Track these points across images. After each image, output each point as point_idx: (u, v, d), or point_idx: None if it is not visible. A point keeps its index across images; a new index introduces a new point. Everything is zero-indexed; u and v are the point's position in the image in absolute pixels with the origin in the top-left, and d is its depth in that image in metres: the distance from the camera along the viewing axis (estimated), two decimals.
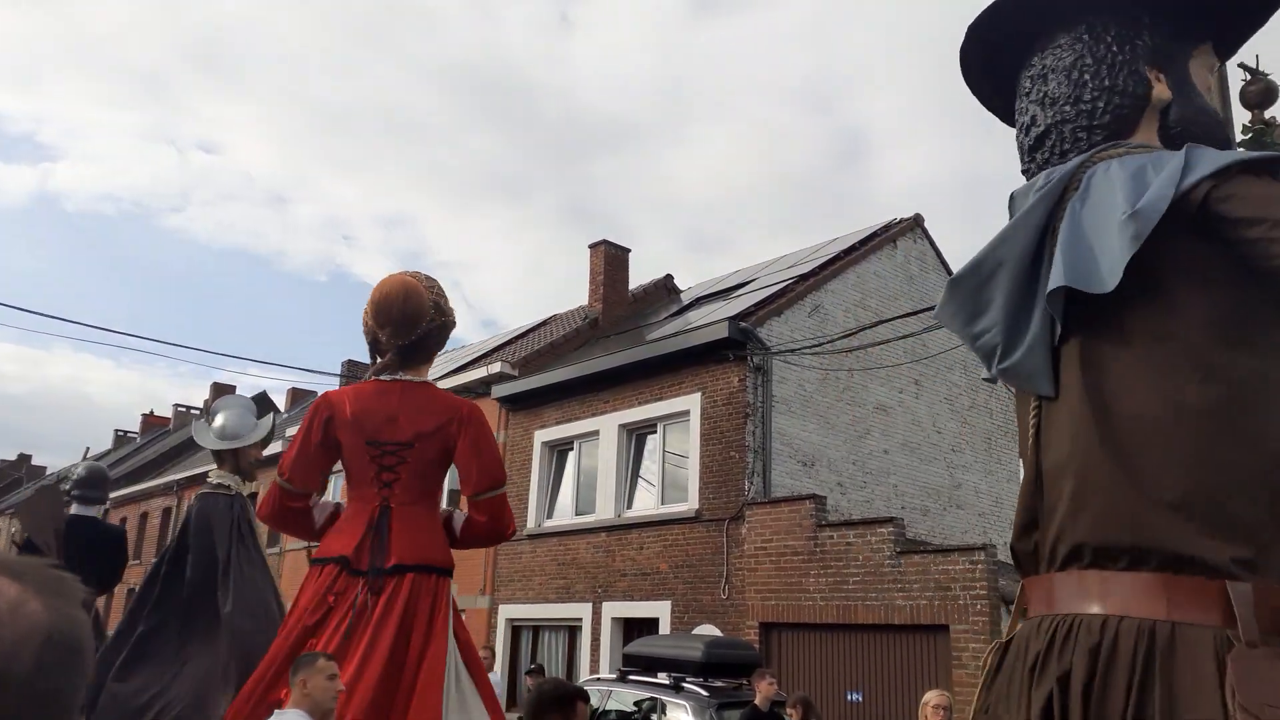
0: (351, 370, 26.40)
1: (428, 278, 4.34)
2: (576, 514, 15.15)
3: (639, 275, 19.20)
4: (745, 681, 8.86)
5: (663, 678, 8.65)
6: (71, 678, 0.78)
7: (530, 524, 15.72)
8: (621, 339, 16.95)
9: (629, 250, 18.76)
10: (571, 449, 15.65)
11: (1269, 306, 1.42)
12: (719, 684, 8.55)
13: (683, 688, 8.38)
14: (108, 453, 48.53)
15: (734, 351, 12.67)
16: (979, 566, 10.16)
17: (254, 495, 5.49)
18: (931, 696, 7.58)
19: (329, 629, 3.94)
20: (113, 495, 32.92)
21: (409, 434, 4.00)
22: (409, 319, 4.09)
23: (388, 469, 4.02)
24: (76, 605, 0.81)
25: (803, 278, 14.21)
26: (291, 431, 22.44)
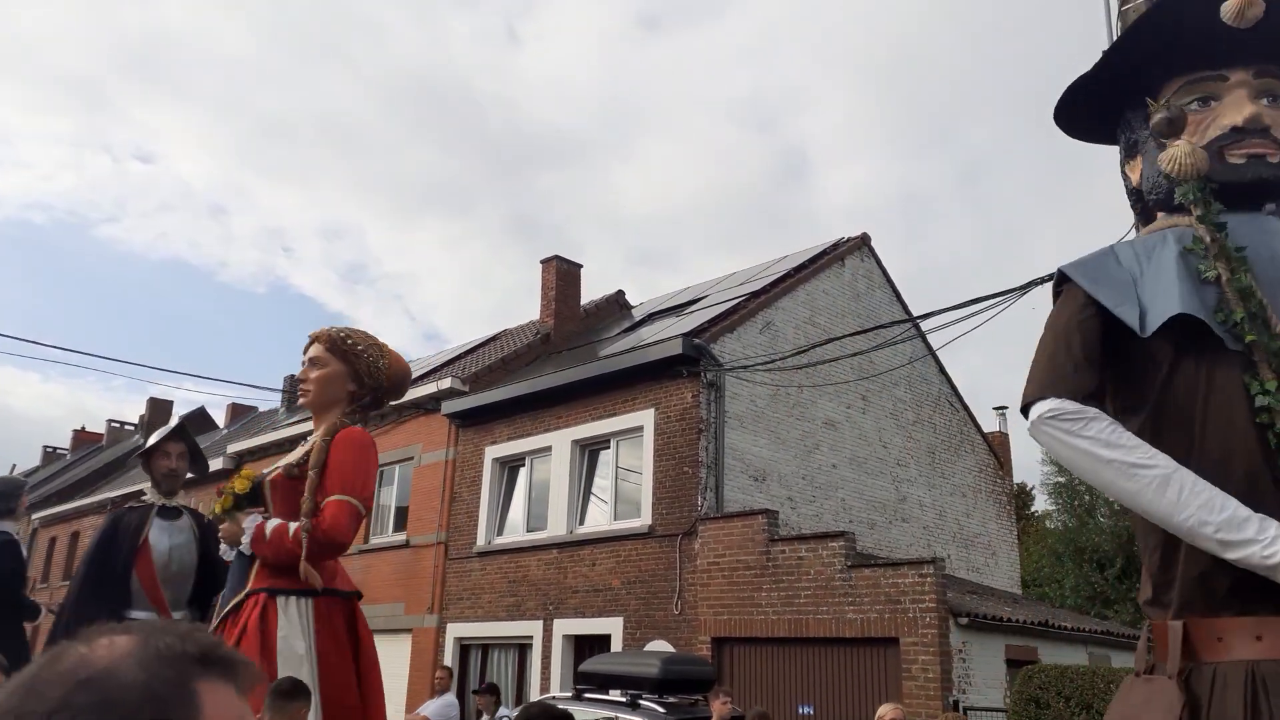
0: (294, 385, 25.95)
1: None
2: (528, 530, 15.07)
3: (587, 289, 19.21)
4: (701, 698, 8.90)
5: (618, 695, 8.64)
6: None
7: (480, 541, 15.60)
8: (574, 355, 16.95)
9: (581, 266, 18.79)
10: (523, 465, 15.58)
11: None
12: (674, 700, 8.58)
13: (639, 705, 8.38)
14: (36, 469, 46.94)
15: (688, 367, 12.76)
16: (928, 580, 10.34)
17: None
18: (886, 710, 7.69)
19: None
20: (41, 514, 31.85)
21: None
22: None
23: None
24: None
25: (754, 295, 14.37)
26: (232, 447, 21.96)
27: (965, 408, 17.79)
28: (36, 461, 48.50)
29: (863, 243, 16.28)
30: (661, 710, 8.29)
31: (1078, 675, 9.92)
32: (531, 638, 14.13)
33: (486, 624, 14.96)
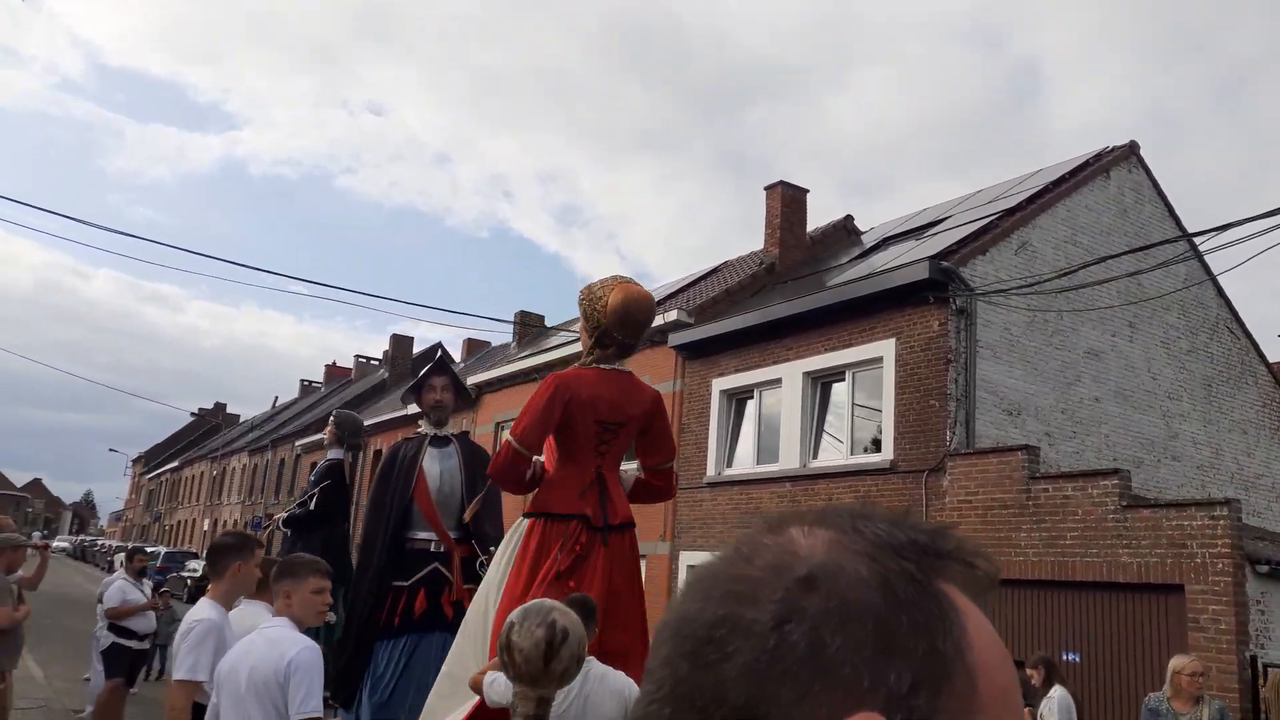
0: (525, 320, 26.91)
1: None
2: (758, 463, 14.87)
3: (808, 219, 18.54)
4: None
5: None
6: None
7: (710, 472, 15.58)
8: (801, 284, 16.41)
9: (807, 191, 18.08)
10: (751, 397, 15.32)
11: None
12: None
13: None
14: (295, 401, 51.82)
15: (934, 293, 11.96)
16: (1220, 523, 9.27)
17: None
18: (1184, 663, 6.93)
19: (580, 574, 4.62)
20: (300, 442, 35.06)
21: (624, 416, 4.80)
22: (646, 329, 4.95)
23: (604, 443, 4.84)
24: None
25: (1008, 213, 13.26)
26: (470, 380, 23.04)
27: (1247, 335, 15.84)
28: (295, 393, 53.52)
29: (1130, 152, 14.64)
30: None
31: None
32: None
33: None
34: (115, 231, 42.33)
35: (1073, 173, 14.18)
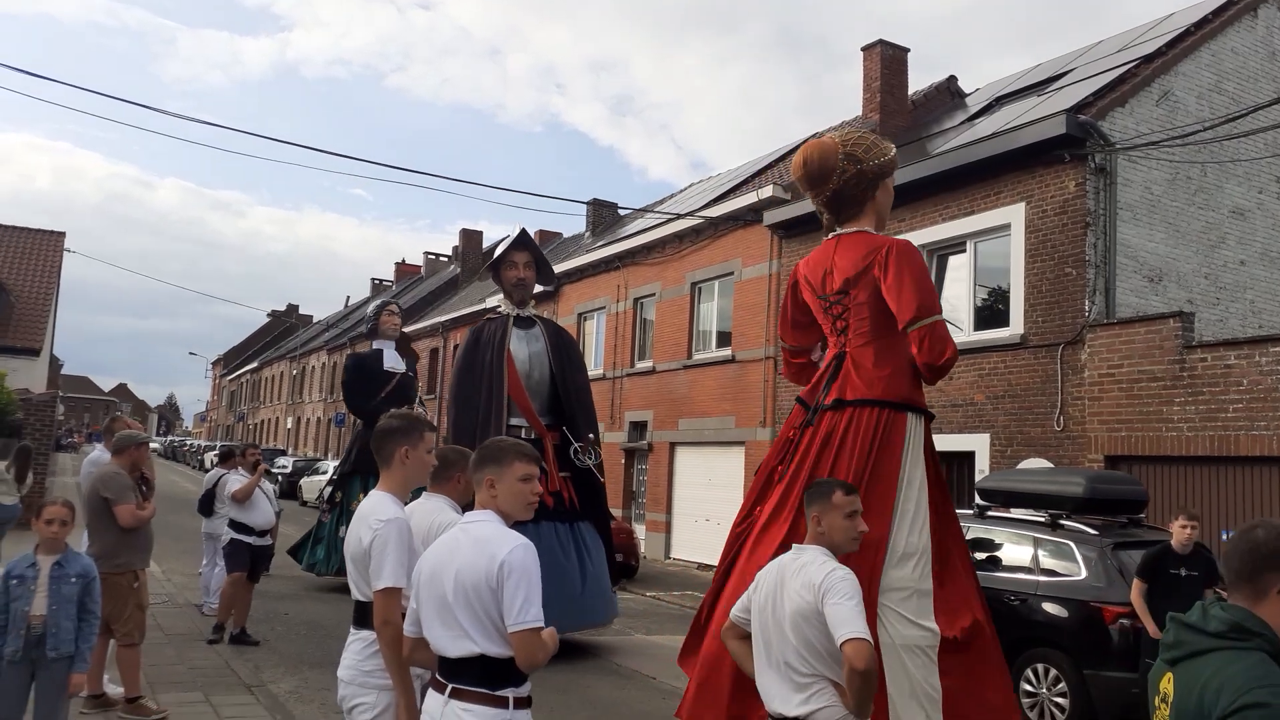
0: (597, 205, 26.12)
1: (847, 131, 4.62)
2: None
3: (851, 104, 17.32)
4: (1127, 520, 7.82)
5: (1032, 515, 7.74)
6: None
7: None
8: (907, 151, 15.33)
9: (908, 50, 16.77)
10: None
11: None
12: (1103, 522, 7.56)
13: (1062, 526, 7.46)
14: (368, 299, 52.13)
15: (1070, 151, 10.93)
16: None
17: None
18: None
19: (788, 460, 4.47)
20: (355, 342, 35.17)
21: (839, 283, 4.34)
22: (816, 178, 4.45)
23: (838, 317, 4.40)
24: None
25: (1146, 59, 12.00)
26: (557, 269, 22.41)
27: None
28: (367, 292, 53.83)
29: None
30: (1093, 532, 7.32)
31: None
32: None
33: None
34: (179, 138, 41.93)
35: (1216, 12, 12.76)
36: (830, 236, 4.54)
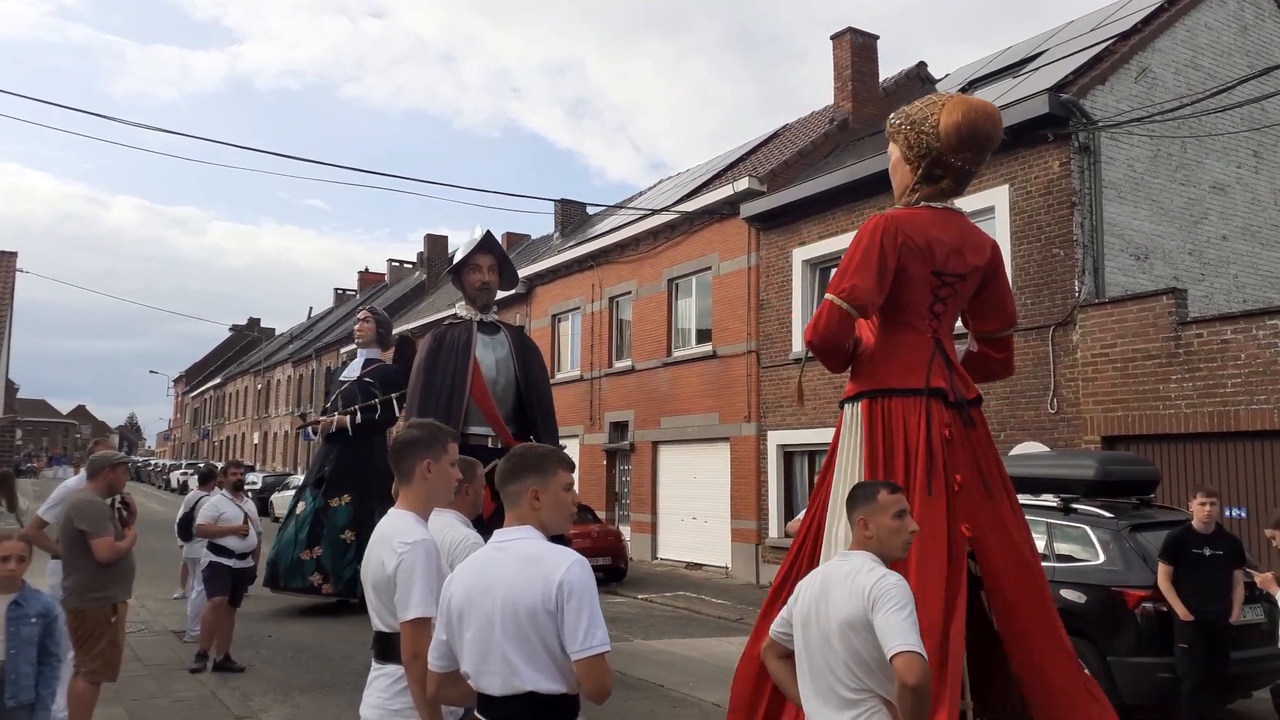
0: (566, 208, 25.76)
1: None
2: None
3: (807, 100, 17.09)
4: (1138, 501, 7.67)
5: (1043, 499, 7.56)
6: None
7: (797, 348, 14.76)
8: (880, 140, 15.18)
9: (877, 37, 16.63)
10: (837, 265, 14.33)
11: None
12: (1116, 504, 7.39)
13: (1073, 509, 7.28)
14: (331, 310, 51.32)
15: (1054, 130, 10.80)
16: None
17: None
18: None
19: (958, 461, 3.79)
20: (346, 349, 34.55)
21: (967, 267, 3.88)
22: (991, 150, 4.00)
23: (940, 300, 3.89)
24: None
25: (1123, 36, 11.92)
26: (527, 271, 22.04)
27: None
28: (330, 303, 52.99)
29: None
30: (1108, 515, 7.14)
31: None
32: None
33: (813, 431, 14.27)
34: (136, 147, 40.90)
35: None
36: (941, 207, 3.95)
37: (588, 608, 2.24)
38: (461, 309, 8.80)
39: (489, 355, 8.50)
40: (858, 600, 2.73)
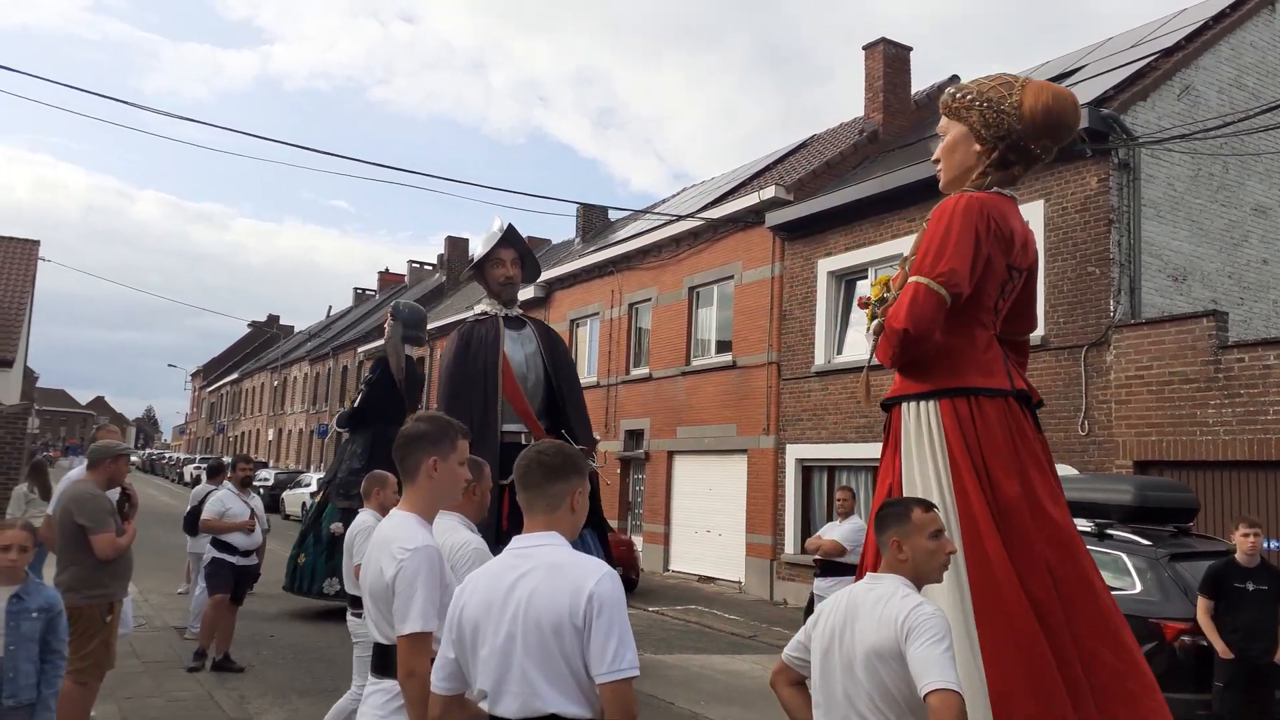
0: (588, 213, 25.59)
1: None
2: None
3: (833, 117, 16.83)
4: (1175, 529, 7.36)
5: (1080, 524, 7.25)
6: None
7: (819, 361, 14.49)
8: (910, 152, 14.93)
9: (910, 49, 16.38)
10: (864, 277, 14.06)
11: None
12: (1154, 531, 7.09)
13: (1109, 535, 6.98)
14: (350, 309, 51.39)
15: (1092, 145, 10.52)
16: None
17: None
18: None
19: (1038, 466, 3.48)
20: (363, 348, 34.50)
21: (1029, 262, 3.66)
22: (1067, 141, 3.72)
23: (1004, 295, 3.59)
24: None
25: (1166, 53, 11.63)
26: (547, 275, 21.83)
27: None
28: (350, 302, 53.08)
29: None
30: (1145, 542, 6.84)
31: None
32: None
33: (832, 446, 13.98)
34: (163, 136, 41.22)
35: (1233, 6, 12.42)
36: (1007, 196, 3.61)
37: (619, 625, 2.01)
38: (486, 304, 8.58)
39: (518, 351, 8.28)
40: (889, 629, 2.48)
